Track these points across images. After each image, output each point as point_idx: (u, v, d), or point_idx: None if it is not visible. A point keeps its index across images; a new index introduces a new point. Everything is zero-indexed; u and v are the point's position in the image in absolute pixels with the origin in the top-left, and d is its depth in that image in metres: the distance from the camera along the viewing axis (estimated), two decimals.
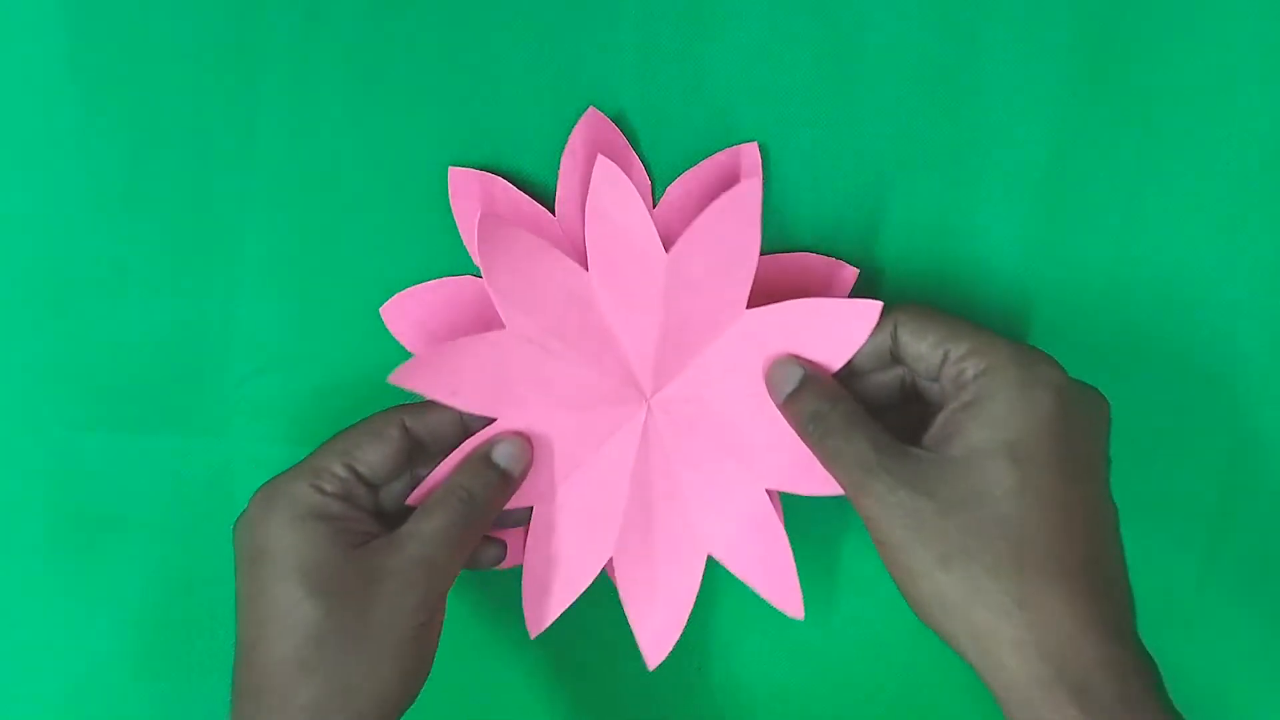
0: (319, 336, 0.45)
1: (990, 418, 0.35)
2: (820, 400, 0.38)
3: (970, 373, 0.36)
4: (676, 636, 0.42)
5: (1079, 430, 0.35)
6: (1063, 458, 0.34)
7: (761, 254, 0.43)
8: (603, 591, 0.46)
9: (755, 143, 0.43)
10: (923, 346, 0.37)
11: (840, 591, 0.46)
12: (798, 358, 0.39)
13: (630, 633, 0.46)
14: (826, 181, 0.43)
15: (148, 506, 0.46)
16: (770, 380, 0.39)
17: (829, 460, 0.37)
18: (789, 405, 0.39)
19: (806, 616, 0.46)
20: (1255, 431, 0.44)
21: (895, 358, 0.39)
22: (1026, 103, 0.42)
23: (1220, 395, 0.44)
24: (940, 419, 0.36)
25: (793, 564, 0.41)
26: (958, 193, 0.43)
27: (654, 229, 0.40)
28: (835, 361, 0.39)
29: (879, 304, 0.38)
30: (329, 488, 0.38)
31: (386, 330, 0.44)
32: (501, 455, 0.40)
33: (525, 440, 0.40)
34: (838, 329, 0.39)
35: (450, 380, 0.40)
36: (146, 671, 0.47)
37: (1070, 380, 0.36)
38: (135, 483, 0.46)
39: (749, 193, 0.39)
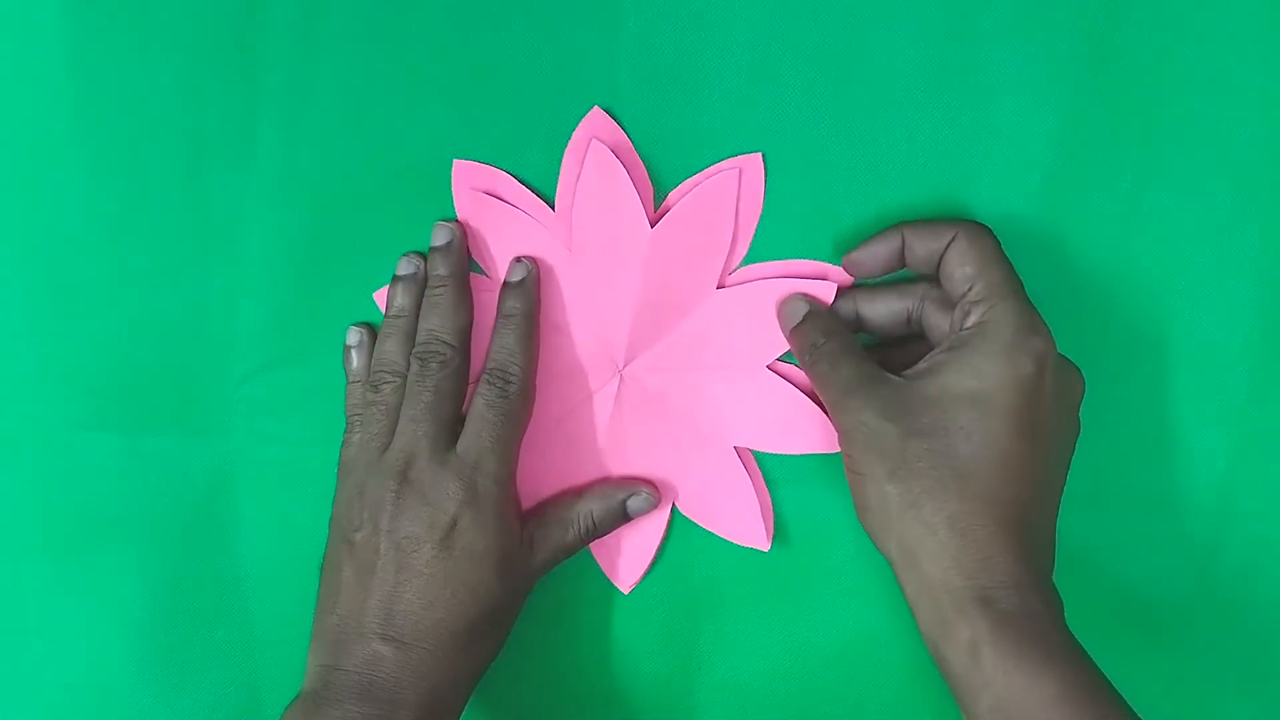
0: (319, 336, 0.45)
1: (971, 367, 0.39)
2: (818, 333, 0.42)
3: (973, 318, 0.40)
4: (646, 566, 0.46)
5: (1044, 399, 0.39)
6: (1020, 416, 0.38)
7: (762, 259, 0.43)
8: (602, 594, 0.46)
9: (759, 154, 0.43)
10: (958, 273, 0.40)
11: (840, 593, 0.46)
12: (805, 294, 0.43)
13: (630, 632, 0.46)
14: (826, 183, 0.43)
15: (148, 506, 0.46)
16: (780, 314, 0.44)
17: (818, 384, 0.42)
18: (794, 336, 0.43)
19: (807, 619, 0.46)
20: (1255, 431, 0.44)
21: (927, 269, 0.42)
22: (1026, 104, 0.42)
23: (1220, 395, 0.44)
24: (927, 357, 0.40)
25: (756, 505, 0.45)
26: (958, 194, 0.43)
27: (641, 208, 0.43)
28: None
29: (834, 285, 0.43)
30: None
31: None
32: (634, 507, 0.45)
33: (658, 494, 0.45)
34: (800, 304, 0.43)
35: None
36: (146, 671, 0.47)
37: (1054, 355, 0.39)
38: (135, 483, 0.46)
39: (727, 180, 0.43)
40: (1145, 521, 0.45)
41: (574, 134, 0.43)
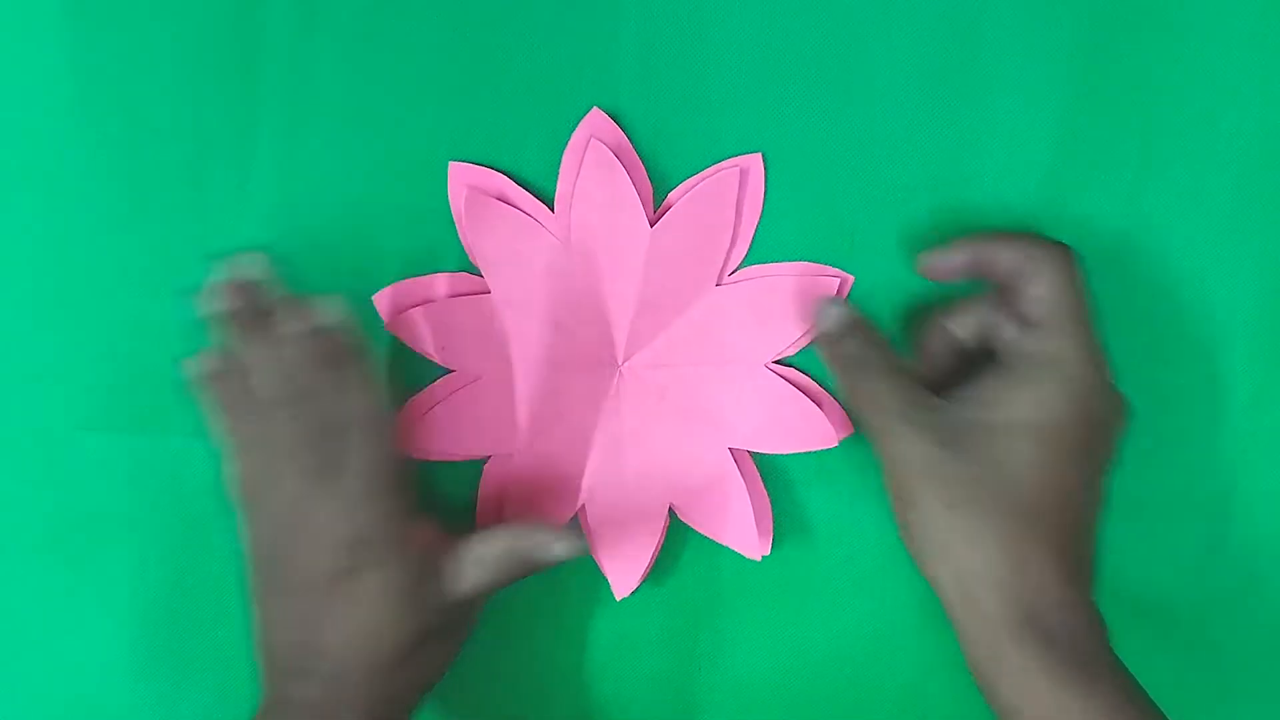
0: None
1: (1032, 401, 0.39)
2: (864, 345, 0.41)
3: (1039, 346, 0.39)
4: (642, 572, 0.45)
5: (1096, 427, 0.39)
6: (1075, 446, 0.39)
7: (759, 260, 0.44)
8: (603, 594, 0.46)
9: (759, 153, 0.43)
10: (1030, 293, 0.39)
11: (841, 592, 0.46)
12: (836, 299, 0.42)
13: (630, 632, 0.46)
14: (826, 183, 0.43)
15: (148, 506, 0.46)
16: (818, 317, 0.42)
17: (862, 401, 0.41)
18: (832, 346, 0.42)
19: (807, 618, 0.46)
20: (1255, 432, 0.44)
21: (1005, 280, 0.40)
22: (1026, 104, 0.42)
23: (1220, 395, 0.44)
24: (985, 381, 0.40)
25: (751, 515, 0.44)
26: (958, 193, 0.43)
27: (641, 206, 0.43)
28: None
29: (836, 279, 0.43)
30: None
31: (385, 330, 0.44)
32: (561, 550, 0.41)
33: (585, 543, 0.42)
34: (801, 305, 0.43)
35: (438, 337, 0.44)
36: (146, 671, 0.47)
37: (1106, 385, 0.40)
38: (135, 483, 0.46)
39: (729, 178, 0.43)
40: (1145, 523, 0.45)
41: (574, 134, 0.43)
